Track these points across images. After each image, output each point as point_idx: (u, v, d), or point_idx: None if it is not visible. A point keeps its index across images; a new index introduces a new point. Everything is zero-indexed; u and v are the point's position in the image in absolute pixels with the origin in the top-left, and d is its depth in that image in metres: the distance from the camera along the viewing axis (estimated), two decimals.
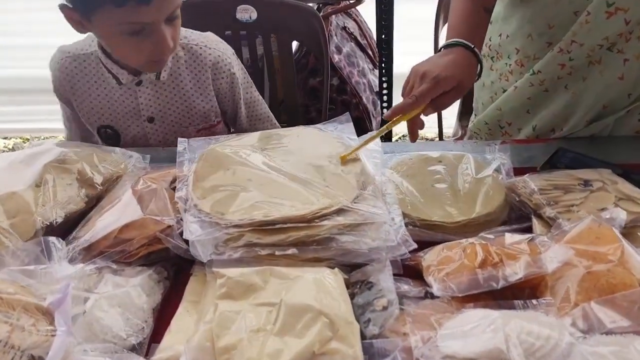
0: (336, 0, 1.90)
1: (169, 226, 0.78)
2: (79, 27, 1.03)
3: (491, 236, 0.74)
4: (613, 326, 0.59)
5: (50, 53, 1.23)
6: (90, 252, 0.78)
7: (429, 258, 0.74)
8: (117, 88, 1.16)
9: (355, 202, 0.80)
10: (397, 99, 0.96)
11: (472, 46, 0.91)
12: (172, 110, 1.19)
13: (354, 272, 0.75)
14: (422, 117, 0.91)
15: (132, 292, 0.72)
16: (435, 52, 1.67)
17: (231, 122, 1.32)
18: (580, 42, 0.96)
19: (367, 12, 2.06)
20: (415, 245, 0.76)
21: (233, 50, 1.25)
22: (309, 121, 1.80)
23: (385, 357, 0.61)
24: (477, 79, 0.95)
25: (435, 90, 0.86)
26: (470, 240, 0.73)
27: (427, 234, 0.82)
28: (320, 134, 0.97)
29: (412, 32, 2.17)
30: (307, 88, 1.84)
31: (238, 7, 1.54)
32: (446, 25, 1.06)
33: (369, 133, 0.95)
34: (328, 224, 0.76)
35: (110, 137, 1.21)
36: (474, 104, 1.27)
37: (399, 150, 1.02)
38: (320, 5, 1.91)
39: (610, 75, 0.99)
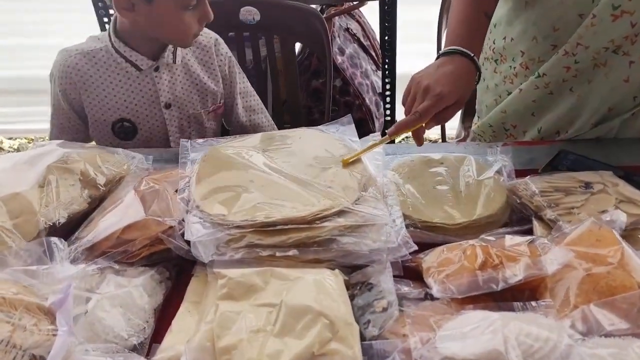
0: (339, 1, 1.90)
1: (171, 227, 0.78)
2: (127, 12, 1.08)
3: (492, 238, 0.74)
4: (612, 328, 0.59)
5: (55, 53, 1.24)
6: (93, 253, 0.78)
7: (429, 260, 0.74)
8: (135, 77, 1.19)
9: (356, 204, 0.80)
10: (400, 100, 0.97)
11: (472, 55, 0.92)
12: (187, 94, 1.25)
13: (355, 273, 0.75)
14: None
15: (134, 292, 0.73)
16: (437, 53, 1.67)
17: (228, 111, 1.36)
18: (586, 44, 0.96)
19: (371, 13, 2.06)
20: (415, 247, 0.76)
21: None
22: (312, 122, 1.80)
23: (384, 358, 0.61)
24: (476, 85, 0.95)
25: (437, 106, 0.87)
26: (471, 242, 0.73)
27: (428, 236, 0.83)
28: (322, 136, 0.97)
29: (415, 33, 2.18)
30: (310, 89, 1.85)
31: (241, 9, 1.55)
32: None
33: (370, 135, 0.95)
34: (329, 225, 0.76)
35: (126, 130, 1.23)
36: (477, 107, 1.26)
37: (400, 152, 1.02)
38: (323, 6, 1.91)
39: (615, 78, 0.99)
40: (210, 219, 0.78)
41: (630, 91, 1.00)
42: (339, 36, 1.87)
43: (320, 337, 0.62)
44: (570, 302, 0.63)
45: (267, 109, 1.48)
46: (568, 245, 0.69)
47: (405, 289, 0.72)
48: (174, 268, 0.80)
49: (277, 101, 1.77)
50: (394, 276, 0.73)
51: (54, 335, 0.59)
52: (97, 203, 0.90)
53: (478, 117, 1.25)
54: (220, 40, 1.30)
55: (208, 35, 1.28)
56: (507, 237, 0.72)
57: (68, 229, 0.84)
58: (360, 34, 1.99)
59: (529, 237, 0.72)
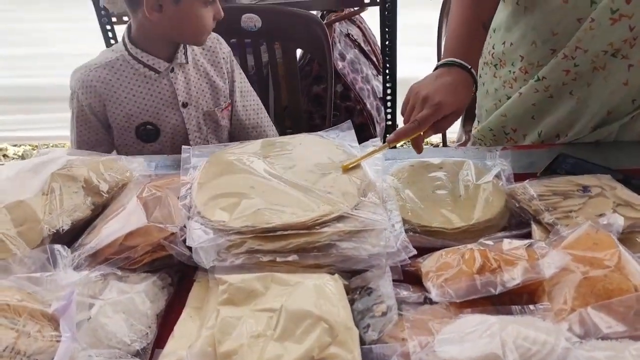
0: (339, 7, 1.91)
1: (173, 233, 0.79)
2: (154, 12, 1.15)
3: (490, 242, 0.74)
4: (609, 331, 0.59)
5: (60, 62, 1.27)
6: (96, 259, 0.79)
7: (428, 264, 0.74)
8: (154, 79, 1.25)
9: (355, 209, 0.81)
10: (401, 105, 0.98)
11: (469, 67, 0.94)
12: (200, 92, 1.31)
13: (354, 278, 0.76)
14: None
15: (137, 298, 0.74)
16: (438, 58, 1.68)
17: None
18: (585, 48, 0.96)
19: (371, 18, 2.07)
20: (414, 252, 0.77)
21: None
22: (313, 127, 1.82)
23: None
24: (473, 95, 0.97)
25: (436, 115, 0.90)
26: (469, 246, 0.74)
27: (427, 240, 0.83)
28: (322, 142, 0.98)
29: (415, 37, 2.19)
30: (311, 95, 1.86)
31: (243, 16, 1.57)
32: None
33: (370, 141, 0.96)
34: (328, 230, 0.77)
35: (150, 133, 1.29)
36: (477, 111, 1.27)
37: (400, 157, 1.03)
38: (324, 12, 1.93)
39: (614, 81, 0.99)
40: (211, 225, 0.79)
41: (629, 94, 1.00)
42: (339, 42, 1.88)
43: (320, 341, 0.63)
44: (567, 305, 0.63)
45: (269, 114, 1.49)
46: (565, 248, 0.69)
47: (404, 293, 0.72)
48: (176, 274, 0.81)
49: (278, 107, 1.78)
50: (394, 280, 0.74)
51: (58, 341, 0.60)
52: (100, 210, 0.91)
53: (478, 121, 1.25)
54: (220, 38, 1.37)
55: (211, 36, 1.33)
56: (505, 241, 0.73)
57: (72, 236, 0.85)
58: (360, 39, 2.00)
59: (526, 241, 0.73)
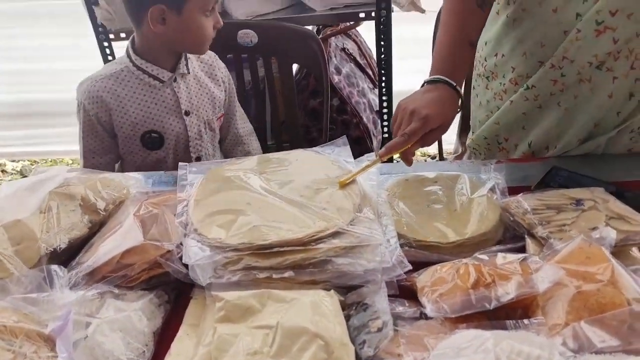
0: (335, 22, 1.93)
1: (169, 251, 0.80)
2: (158, 24, 1.20)
3: (485, 257, 0.75)
4: (603, 345, 0.60)
5: (58, 78, 1.29)
6: (93, 277, 0.80)
7: (423, 279, 0.75)
8: (158, 88, 1.29)
9: (351, 225, 0.81)
10: None
11: (455, 84, 0.97)
12: (201, 101, 1.36)
13: (350, 293, 0.76)
14: None
15: (133, 316, 0.74)
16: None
17: (227, 119, 1.48)
18: (571, 58, 0.98)
19: (367, 31, 2.09)
20: (410, 267, 0.77)
21: None
22: (310, 141, 1.83)
23: None
24: (458, 111, 1.00)
25: (423, 128, 0.93)
26: (464, 260, 0.75)
27: (422, 255, 0.84)
28: (318, 157, 0.99)
29: (410, 51, 2.20)
30: (308, 109, 1.87)
31: (239, 32, 1.58)
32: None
33: (365, 156, 0.97)
34: (324, 247, 0.77)
35: (154, 140, 1.33)
36: (471, 122, 1.29)
37: (395, 172, 1.04)
38: (320, 27, 1.94)
39: (600, 93, 1.01)
40: (208, 242, 0.80)
41: (614, 107, 1.02)
42: (335, 56, 1.90)
43: (315, 358, 0.63)
44: (561, 320, 0.64)
45: (265, 128, 1.55)
46: (559, 262, 0.70)
47: (400, 308, 0.73)
48: (173, 291, 0.82)
49: (275, 121, 1.79)
50: (389, 295, 0.74)
51: None
52: (97, 227, 0.92)
53: (472, 132, 1.27)
54: (216, 56, 1.43)
55: (207, 53, 1.39)
56: (499, 255, 0.74)
57: (69, 254, 0.86)
58: (356, 53, 2.02)
59: (520, 255, 0.73)
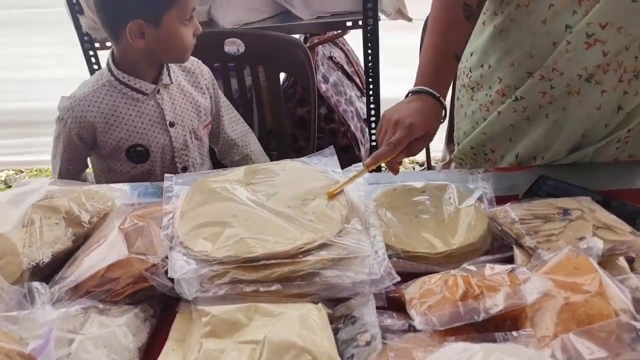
0: (322, 31, 1.93)
1: (154, 264, 0.79)
2: (137, 39, 1.18)
3: (473, 268, 0.75)
4: (591, 357, 0.59)
5: (43, 87, 1.27)
6: (77, 292, 0.78)
7: (412, 291, 0.74)
8: (142, 101, 1.27)
9: (338, 236, 0.81)
10: None
11: (438, 95, 0.98)
12: (185, 111, 1.34)
13: (338, 306, 0.75)
14: None
15: (118, 331, 0.73)
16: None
17: (215, 125, 1.46)
18: (561, 70, 0.98)
19: (354, 39, 2.09)
20: (398, 278, 0.77)
21: None
22: (298, 150, 1.82)
23: None
24: (443, 121, 1.01)
25: (409, 137, 0.93)
26: (452, 272, 0.74)
27: (411, 265, 0.83)
28: (305, 168, 0.98)
29: (398, 59, 2.21)
30: (296, 117, 1.87)
31: (226, 40, 1.58)
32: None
33: (353, 166, 0.97)
34: (312, 259, 0.77)
35: (140, 154, 1.31)
36: (455, 134, 1.28)
37: (383, 181, 1.03)
38: (307, 36, 1.94)
39: (589, 106, 1.01)
40: (194, 255, 0.79)
41: (602, 119, 1.02)
42: (322, 65, 1.90)
43: None
44: (550, 331, 0.63)
45: None
46: (546, 273, 0.69)
47: (388, 320, 0.72)
48: (158, 305, 0.80)
49: (263, 129, 1.78)
50: (378, 307, 0.73)
51: None
52: (81, 240, 0.90)
53: (457, 143, 1.27)
54: (200, 62, 1.41)
55: (191, 60, 1.37)
56: (488, 266, 0.73)
57: (53, 268, 0.84)
58: (344, 62, 2.02)
59: (509, 266, 0.73)
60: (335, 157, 1.00)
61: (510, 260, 0.81)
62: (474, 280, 0.70)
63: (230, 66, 1.66)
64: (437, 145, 1.93)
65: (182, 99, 1.34)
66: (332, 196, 0.89)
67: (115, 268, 0.79)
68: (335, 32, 1.98)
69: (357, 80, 2.06)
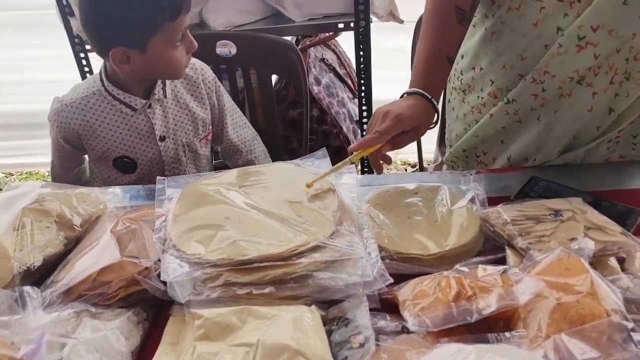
0: (314, 33, 1.93)
1: (147, 268, 0.78)
2: (123, 64, 1.13)
3: (465, 269, 0.75)
4: (583, 357, 0.60)
5: (34, 89, 1.25)
6: (69, 296, 0.78)
7: (405, 292, 0.75)
8: (130, 116, 1.23)
9: (331, 238, 0.81)
10: None
11: (430, 97, 0.97)
12: (180, 125, 1.30)
13: (332, 308, 0.75)
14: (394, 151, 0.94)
15: (111, 335, 0.72)
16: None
17: (218, 131, 1.41)
18: (553, 73, 0.99)
19: (346, 41, 2.10)
20: (391, 280, 0.77)
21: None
22: (291, 151, 1.82)
23: None
24: (433, 127, 1.01)
25: (396, 127, 0.92)
26: (445, 273, 0.74)
27: (404, 267, 0.83)
28: (297, 170, 0.98)
29: (389, 61, 2.22)
30: (288, 119, 1.87)
31: (218, 42, 1.57)
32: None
33: (341, 162, 0.97)
34: (305, 261, 0.77)
35: (127, 165, 1.28)
36: (446, 136, 1.29)
37: (376, 183, 1.03)
38: (299, 37, 1.95)
39: (580, 108, 1.02)
40: (187, 258, 0.79)
41: (594, 121, 1.03)
42: (314, 67, 1.90)
43: None
44: (542, 332, 0.64)
45: None
46: (539, 274, 0.70)
47: (381, 322, 0.72)
48: (151, 308, 0.80)
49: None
50: (371, 309, 0.73)
51: None
52: (73, 244, 0.90)
53: (450, 145, 1.27)
54: (205, 67, 1.35)
55: (193, 66, 1.31)
56: (480, 267, 0.73)
57: (44, 272, 0.84)
58: (336, 63, 2.02)
59: (501, 267, 0.73)
60: (328, 158, 1.00)
61: (502, 261, 0.81)
62: (467, 281, 0.71)
63: (222, 68, 1.65)
64: (429, 146, 1.95)
65: (178, 111, 1.29)
66: (311, 186, 0.90)
67: (107, 271, 0.78)
68: (327, 34, 1.99)
69: (349, 82, 2.06)
